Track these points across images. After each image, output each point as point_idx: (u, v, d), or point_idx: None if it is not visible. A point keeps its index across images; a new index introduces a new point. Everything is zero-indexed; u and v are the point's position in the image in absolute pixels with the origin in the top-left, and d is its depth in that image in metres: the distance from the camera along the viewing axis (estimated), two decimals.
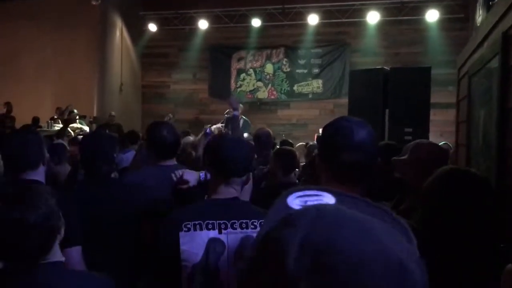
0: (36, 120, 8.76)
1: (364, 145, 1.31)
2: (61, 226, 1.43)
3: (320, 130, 1.50)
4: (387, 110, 5.54)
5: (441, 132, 8.97)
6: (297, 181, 3.48)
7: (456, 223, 1.48)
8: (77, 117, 8.82)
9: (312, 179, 2.48)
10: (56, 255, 1.43)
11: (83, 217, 1.97)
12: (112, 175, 2.47)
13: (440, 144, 6.26)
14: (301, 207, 0.64)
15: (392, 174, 2.24)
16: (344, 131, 1.32)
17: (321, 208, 0.54)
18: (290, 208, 0.64)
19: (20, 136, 2.18)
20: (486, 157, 2.58)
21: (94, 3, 10.05)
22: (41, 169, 2.13)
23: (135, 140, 5.46)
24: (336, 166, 1.34)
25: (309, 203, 0.66)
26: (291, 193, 0.67)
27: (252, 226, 1.76)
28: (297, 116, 11.31)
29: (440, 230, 1.46)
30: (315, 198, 0.67)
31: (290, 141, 6.47)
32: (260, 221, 1.76)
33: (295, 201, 0.66)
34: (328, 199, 0.67)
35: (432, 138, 6.55)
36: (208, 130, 3.71)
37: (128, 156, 3.45)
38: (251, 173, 2.00)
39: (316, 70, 11.21)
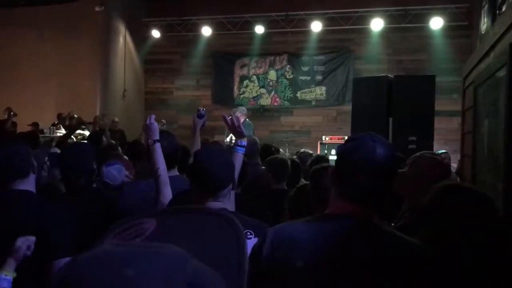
0: (35, 125, 8.73)
1: (383, 167, 1.24)
2: None
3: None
4: (390, 118, 5.50)
5: (445, 140, 8.91)
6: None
7: (462, 245, 1.40)
8: (82, 125, 8.73)
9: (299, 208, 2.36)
10: None
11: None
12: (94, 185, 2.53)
13: (439, 152, 6.22)
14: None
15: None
16: (365, 151, 1.24)
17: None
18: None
19: (6, 147, 2.17)
20: (493, 168, 2.53)
21: (97, 9, 10.06)
22: (31, 178, 2.13)
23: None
24: (350, 185, 1.26)
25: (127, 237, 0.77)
26: (108, 235, 0.75)
27: None
28: (300, 123, 11.27)
29: (446, 253, 1.37)
30: (134, 229, 0.75)
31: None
32: (246, 231, 1.72)
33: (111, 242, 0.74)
34: (150, 224, 0.75)
35: (436, 146, 6.52)
36: (202, 111, 3.22)
37: (111, 170, 3.16)
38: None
39: (319, 77, 11.18)
